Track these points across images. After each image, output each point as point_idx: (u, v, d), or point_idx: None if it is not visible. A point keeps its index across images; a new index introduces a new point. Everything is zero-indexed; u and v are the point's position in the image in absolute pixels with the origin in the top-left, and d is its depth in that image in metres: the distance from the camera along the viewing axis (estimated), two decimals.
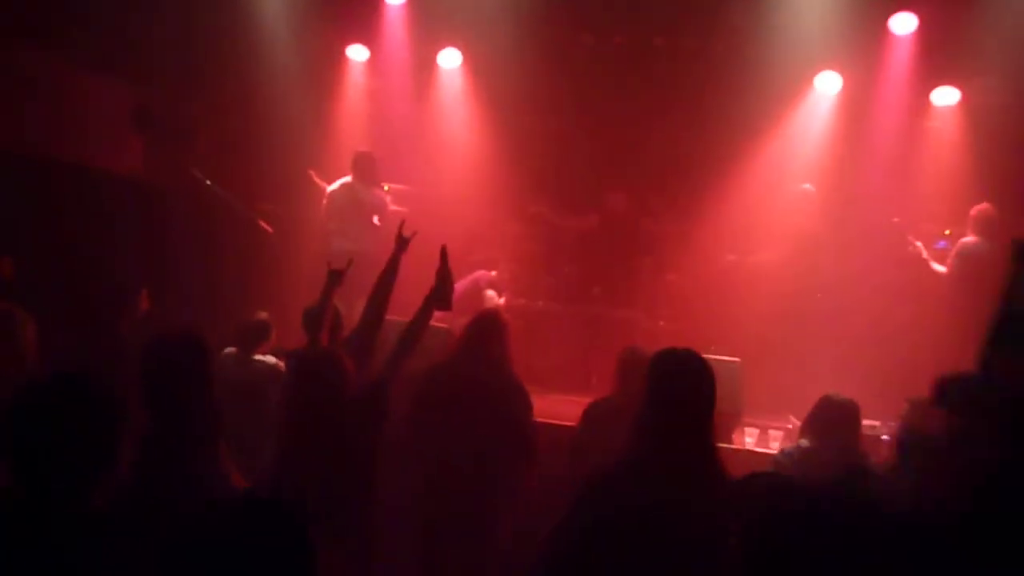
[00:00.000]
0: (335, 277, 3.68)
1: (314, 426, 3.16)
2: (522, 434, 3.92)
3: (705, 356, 2.83)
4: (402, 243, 3.78)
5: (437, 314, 3.61)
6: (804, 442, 3.46)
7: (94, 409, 1.84)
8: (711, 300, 6.72)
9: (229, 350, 4.42)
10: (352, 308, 6.79)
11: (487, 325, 4.18)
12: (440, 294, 3.56)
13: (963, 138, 6.73)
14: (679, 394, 2.35)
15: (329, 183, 7.04)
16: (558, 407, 5.13)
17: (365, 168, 6.83)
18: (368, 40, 7.47)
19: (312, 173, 7.13)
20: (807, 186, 6.63)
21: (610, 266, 6.93)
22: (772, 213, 6.67)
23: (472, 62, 7.44)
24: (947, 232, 6.80)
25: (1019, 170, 6.30)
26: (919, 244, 6.38)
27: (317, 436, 3.14)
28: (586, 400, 4.25)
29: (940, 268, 6.28)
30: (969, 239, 6.14)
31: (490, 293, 6.80)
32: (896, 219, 6.56)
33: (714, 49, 7.01)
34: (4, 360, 3.05)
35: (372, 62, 7.56)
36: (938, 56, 6.52)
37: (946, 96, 6.77)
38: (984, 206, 6.14)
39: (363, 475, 3.27)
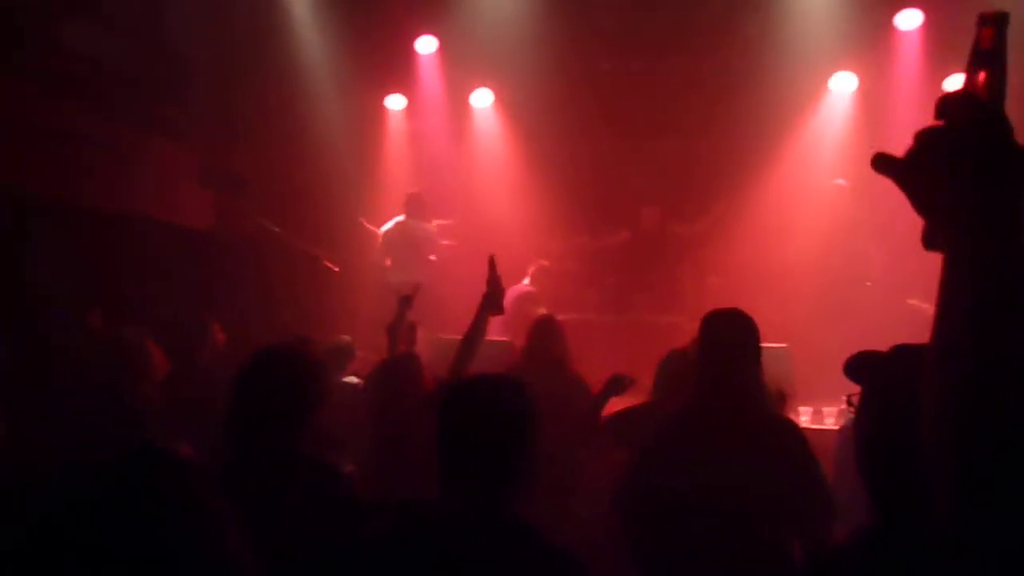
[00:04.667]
0: (406, 302, 4.08)
1: (398, 418, 3.48)
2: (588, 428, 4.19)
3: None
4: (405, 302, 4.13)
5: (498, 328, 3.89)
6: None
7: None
8: (754, 298, 6.98)
9: None
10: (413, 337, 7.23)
11: (546, 328, 4.51)
12: (492, 299, 3.72)
13: None
14: (728, 341, 2.64)
15: (378, 227, 7.52)
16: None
17: (416, 207, 7.30)
18: (404, 88, 8.01)
19: (363, 220, 7.61)
20: (840, 181, 6.91)
21: (651, 275, 7.26)
22: (807, 209, 6.94)
23: (502, 99, 7.94)
24: None
25: None
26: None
27: (401, 428, 3.46)
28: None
29: None
30: None
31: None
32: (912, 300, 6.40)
33: (730, 63, 7.38)
34: (134, 380, 3.44)
35: (410, 108, 8.09)
36: (946, 47, 6.82)
37: (957, 84, 7.02)
38: None
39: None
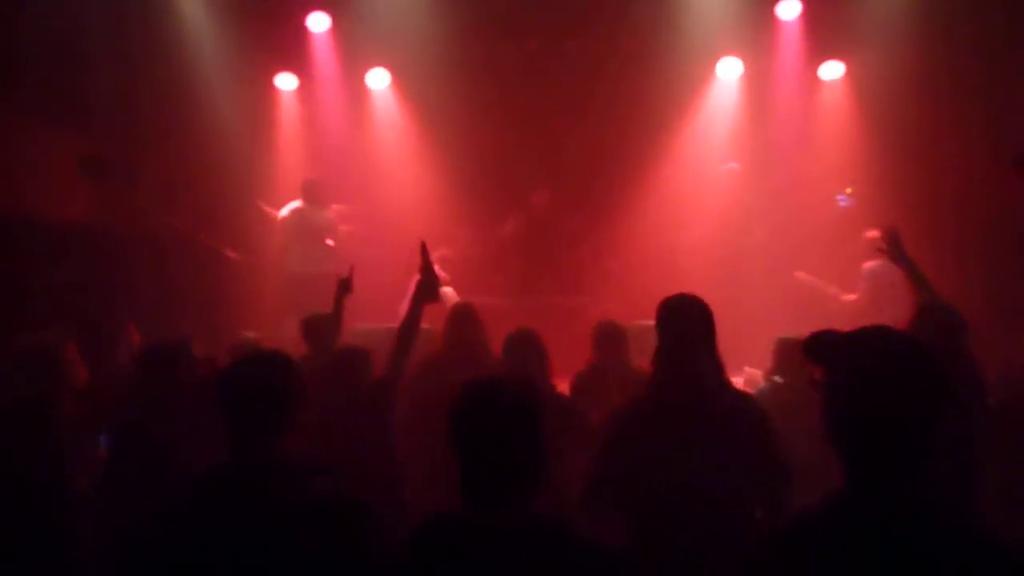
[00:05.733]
0: (344, 286, 3.97)
1: (340, 416, 3.43)
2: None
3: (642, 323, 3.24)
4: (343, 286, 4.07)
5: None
6: (777, 379, 3.97)
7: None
8: (649, 278, 7.25)
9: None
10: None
11: (464, 315, 4.53)
12: (427, 287, 3.80)
13: (850, 105, 7.51)
14: (683, 323, 2.70)
15: (277, 211, 7.27)
16: None
17: (314, 192, 7.10)
18: (295, 68, 7.73)
19: (260, 203, 7.34)
20: (733, 164, 7.25)
21: (551, 258, 7.41)
22: (700, 193, 7.26)
23: (399, 79, 7.80)
24: (848, 191, 7.57)
25: (900, 127, 7.08)
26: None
27: (342, 425, 3.41)
28: (555, 380, 4.48)
29: (850, 296, 6.54)
30: (870, 263, 6.42)
31: (447, 290, 7.14)
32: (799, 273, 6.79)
33: (622, 47, 7.55)
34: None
35: (302, 89, 7.81)
36: (822, 35, 7.27)
37: (833, 70, 7.53)
38: (874, 232, 6.67)
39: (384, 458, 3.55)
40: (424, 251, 3.89)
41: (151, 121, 6.76)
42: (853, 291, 6.62)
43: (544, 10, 7.31)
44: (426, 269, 3.86)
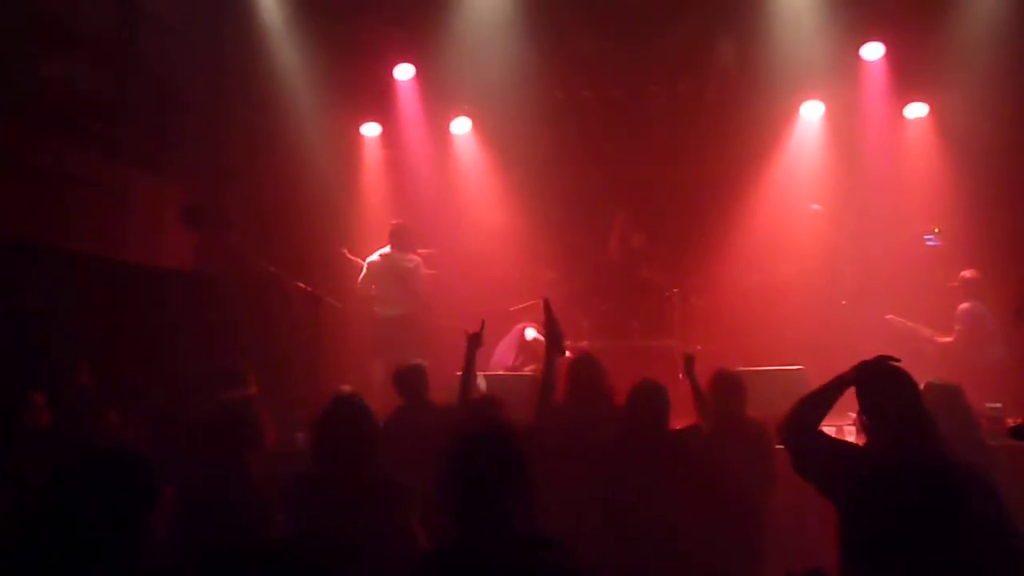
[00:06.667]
0: (475, 340, 4.00)
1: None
2: None
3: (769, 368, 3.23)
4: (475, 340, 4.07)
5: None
6: None
7: None
8: (737, 319, 7.22)
9: None
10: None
11: (588, 363, 4.53)
12: (555, 342, 3.83)
13: (936, 144, 7.48)
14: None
15: (360, 257, 7.38)
16: None
17: (402, 237, 7.20)
18: (380, 116, 7.89)
19: (345, 251, 7.45)
20: (815, 206, 7.24)
21: (637, 299, 7.41)
22: (786, 233, 7.24)
23: (481, 126, 7.93)
24: (936, 230, 7.51)
25: (986, 168, 7.03)
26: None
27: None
28: None
29: (946, 338, 6.48)
30: (966, 305, 6.48)
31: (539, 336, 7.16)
32: (890, 316, 6.76)
33: (707, 90, 7.63)
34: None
35: (386, 136, 7.97)
36: (906, 76, 7.28)
37: (917, 110, 7.52)
38: (971, 272, 6.56)
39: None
40: (548, 307, 3.92)
41: (244, 167, 6.93)
42: (948, 333, 6.53)
43: (628, 55, 7.40)
44: (551, 324, 3.89)
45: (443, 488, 2.08)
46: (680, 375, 6.42)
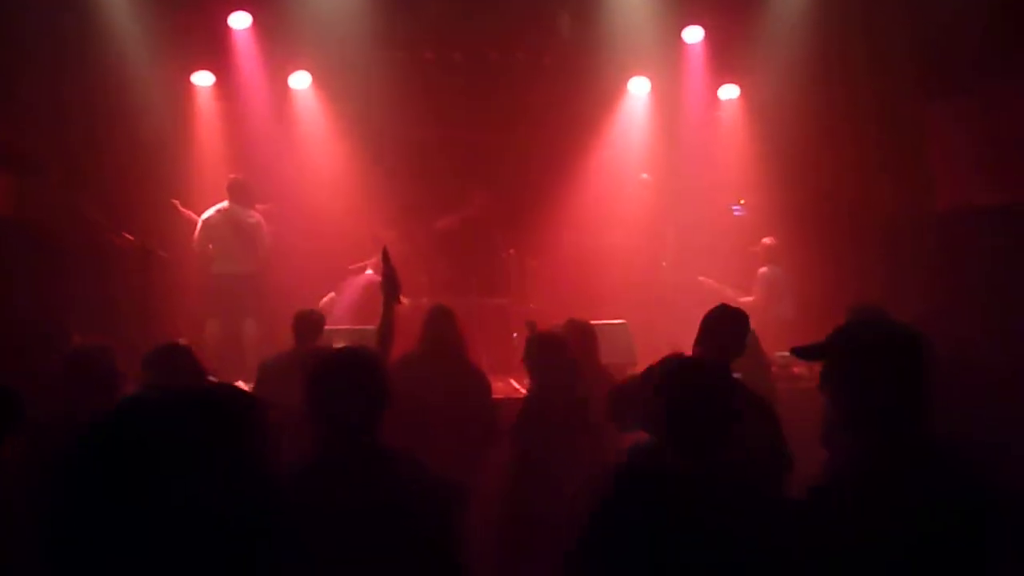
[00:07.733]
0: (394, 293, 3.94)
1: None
2: (489, 416, 4.42)
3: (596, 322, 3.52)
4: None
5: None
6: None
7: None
8: (570, 279, 7.67)
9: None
10: (240, 328, 6.99)
11: (442, 317, 4.70)
12: (392, 291, 3.88)
13: (745, 124, 8.25)
14: None
15: (192, 211, 7.13)
16: None
17: (241, 192, 7.01)
18: (213, 66, 7.59)
19: (176, 203, 7.17)
20: (644, 176, 7.81)
21: (477, 258, 7.69)
22: (616, 200, 7.76)
23: (321, 81, 7.83)
24: (741, 201, 8.33)
25: (785, 146, 7.86)
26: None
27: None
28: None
29: (747, 298, 7.09)
30: (765, 269, 7.28)
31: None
32: (701, 277, 7.42)
33: (543, 59, 7.96)
34: None
35: (221, 87, 7.68)
36: (722, 59, 7.96)
37: (730, 91, 8.26)
38: (770, 240, 7.36)
39: None
40: (386, 256, 3.99)
41: (76, 112, 6.49)
42: (750, 293, 7.32)
43: (470, 20, 7.56)
44: (389, 273, 3.93)
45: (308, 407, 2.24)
46: (514, 334, 6.83)
